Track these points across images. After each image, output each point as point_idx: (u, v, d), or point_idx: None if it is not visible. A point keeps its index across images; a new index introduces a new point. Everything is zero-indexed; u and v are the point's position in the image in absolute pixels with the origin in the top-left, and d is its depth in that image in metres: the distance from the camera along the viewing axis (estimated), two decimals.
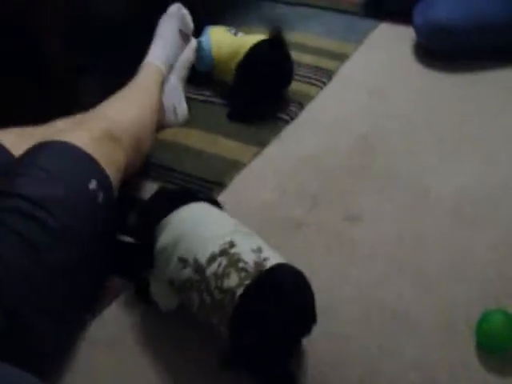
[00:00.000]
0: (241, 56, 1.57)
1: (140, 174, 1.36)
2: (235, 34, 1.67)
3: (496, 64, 1.78)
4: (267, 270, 0.92)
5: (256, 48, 1.56)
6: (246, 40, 1.61)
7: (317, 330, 0.97)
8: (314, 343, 1.02)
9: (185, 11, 1.64)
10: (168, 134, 1.53)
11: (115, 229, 1.15)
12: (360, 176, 1.40)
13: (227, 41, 1.64)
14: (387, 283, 1.15)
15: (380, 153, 1.47)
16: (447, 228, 1.26)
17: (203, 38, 1.68)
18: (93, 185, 1.03)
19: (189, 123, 1.58)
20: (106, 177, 1.08)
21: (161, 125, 1.50)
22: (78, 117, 1.25)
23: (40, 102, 1.48)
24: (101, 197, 1.05)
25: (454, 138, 1.51)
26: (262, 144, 1.50)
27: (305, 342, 1.02)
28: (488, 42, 1.75)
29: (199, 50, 1.68)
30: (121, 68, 1.48)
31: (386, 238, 1.24)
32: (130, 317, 1.10)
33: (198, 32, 1.70)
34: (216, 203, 1.12)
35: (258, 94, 1.58)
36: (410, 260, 1.19)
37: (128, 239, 1.17)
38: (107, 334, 1.08)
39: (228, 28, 1.71)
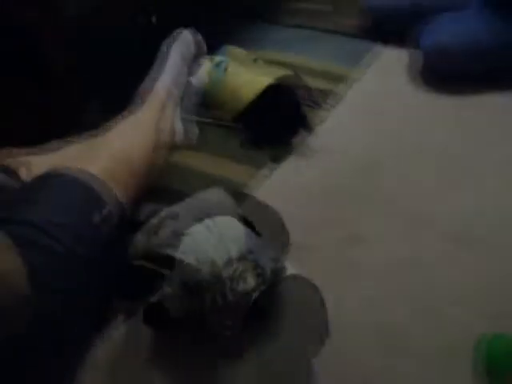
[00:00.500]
0: (245, 100, 1.58)
1: (147, 197, 1.38)
2: (226, 69, 1.66)
3: (504, 86, 1.80)
4: (284, 277, 0.93)
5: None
6: (245, 81, 1.61)
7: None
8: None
9: (191, 37, 1.66)
10: (177, 157, 1.56)
11: (122, 255, 1.16)
12: (362, 201, 1.43)
13: (220, 82, 1.64)
14: (385, 306, 1.17)
15: (382, 178, 1.49)
16: (445, 252, 1.28)
17: (194, 80, 1.67)
18: (96, 218, 1.06)
19: (196, 146, 1.61)
20: (109, 209, 1.10)
21: (170, 147, 1.53)
22: (86, 148, 1.26)
23: (40, 102, 1.49)
24: (104, 229, 1.07)
25: (455, 164, 1.53)
26: (269, 168, 1.54)
27: None
28: (484, 66, 1.78)
29: (191, 91, 1.67)
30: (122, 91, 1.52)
31: (386, 261, 1.27)
32: (134, 340, 1.13)
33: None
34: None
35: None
36: (408, 282, 1.22)
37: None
38: (109, 358, 1.10)
39: (219, 60, 1.70)
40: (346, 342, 1.11)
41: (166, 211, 1.13)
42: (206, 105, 1.71)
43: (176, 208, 1.14)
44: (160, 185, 1.44)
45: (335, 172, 1.52)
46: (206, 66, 1.71)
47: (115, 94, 1.50)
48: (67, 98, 1.54)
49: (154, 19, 1.80)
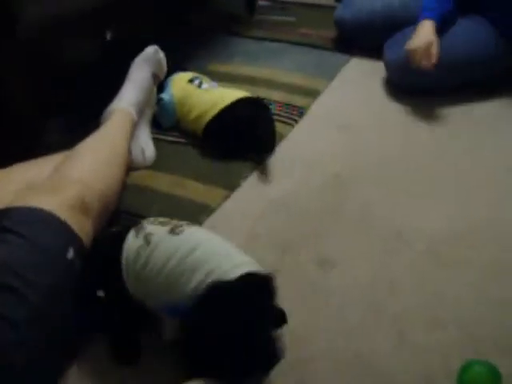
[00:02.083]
0: (209, 116, 1.54)
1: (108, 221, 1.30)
2: (199, 85, 1.63)
3: (466, 99, 1.79)
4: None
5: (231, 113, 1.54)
6: (215, 97, 1.57)
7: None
8: None
9: (161, 55, 1.60)
10: (135, 178, 1.48)
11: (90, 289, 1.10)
12: (332, 218, 1.36)
13: (192, 98, 1.60)
14: (361, 333, 1.10)
15: (352, 193, 1.44)
16: (421, 271, 1.22)
17: (165, 95, 1.64)
18: (70, 253, 1.01)
19: (156, 165, 1.53)
20: (81, 243, 1.06)
21: (128, 168, 1.46)
22: (53, 174, 1.20)
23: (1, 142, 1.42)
24: (77, 264, 1.03)
25: (427, 177, 1.48)
26: (232, 186, 1.46)
27: None
28: (455, 78, 1.77)
29: (161, 107, 1.64)
30: (90, 110, 1.45)
31: (360, 283, 1.20)
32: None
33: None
34: None
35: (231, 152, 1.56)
36: (385, 307, 1.15)
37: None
38: None
39: (192, 77, 1.67)
40: (317, 375, 1.03)
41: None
42: (176, 119, 1.66)
43: None
44: (119, 207, 1.36)
45: (302, 188, 1.46)
46: (177, 83, 1.66)
47: (83, 114, 1.46)
48: (29, 139, 1.47)
49: (108, 35, 1.73)
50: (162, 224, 1.05)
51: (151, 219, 1.08)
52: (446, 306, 1.15)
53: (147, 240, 1.01)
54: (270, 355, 0.94)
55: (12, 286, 0.91)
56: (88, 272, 1.05)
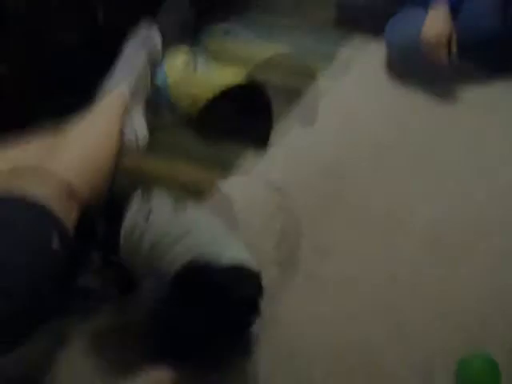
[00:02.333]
0: (204, 100, 1.50)
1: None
2: (195, 67, 1.59)
3: (470, 81, 1.73)
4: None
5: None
6: (208, 81, 1.54)
7: (283, 373, 0.95)
8: None
9: (155, 34, 1.54)
10: (127, 161, 1.44)
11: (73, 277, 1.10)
12: (329, 205, 1.33)
13: (187, 80, 1.56)
14: (357, 324, 1.08)
15: (351, 181, 1.40)
16: (421, 263, 1.19)
17: (159, 77, 1.59)
18: (55, 242, 0.98)
19: (150, 148, 1.49)
20: (67, 232, 1.02)
21: (120, 151, 1.42)
22: (41, 157, 1.15)
23: None
24: (61, 252, 0.99)
25: (430, 165, 1.45)
26: (228, 171, 1.43)
27: None
28: (461, 60, 1.68)
29: (156, 90, 1.59)
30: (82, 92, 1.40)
31: (357, 272, 1.18)
32: None
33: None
34: None
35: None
36: (383, 299, 1.12)
37: None
38: None
39: (186, 58, 1.62)
40: (312, 366, 1.01)
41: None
42: (170, 103, 1.60)
43: None
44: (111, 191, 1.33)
45: (298, 175, 1.42)
46: (173, 64, 1.61)
47: (77, 95, 1.38)
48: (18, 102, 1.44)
49: (100, 15, 1.67)
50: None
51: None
52: (446, 296, 1.12)
53: (147, 218, 1.06)
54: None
55: None
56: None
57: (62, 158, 1.14)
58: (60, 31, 1.55)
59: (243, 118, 1.49)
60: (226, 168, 1.44)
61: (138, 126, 1.48)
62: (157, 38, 1.53)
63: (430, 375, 0.99)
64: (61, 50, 1.56)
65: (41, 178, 1.08)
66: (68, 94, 1.56)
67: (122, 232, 1.06)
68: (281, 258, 1.20)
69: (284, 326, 1.07)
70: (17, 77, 1.45)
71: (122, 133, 1.35)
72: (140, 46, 1.49)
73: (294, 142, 1.52)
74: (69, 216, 1.05)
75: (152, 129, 1.51)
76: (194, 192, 1.35)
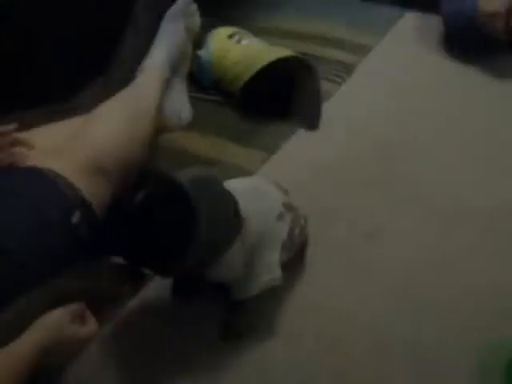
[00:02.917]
0: (247, 76, 1.44)
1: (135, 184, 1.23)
2: (239, 41, 1.53)
3: None
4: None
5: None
6: (252, 56, 1.47)
7: (324, 364, 0.91)
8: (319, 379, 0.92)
9: (193, 7, 1.49)
10: (169, 139, 1.40)
11: (98, 256, 1.04)
12: (379, 188, 1.26)
13: (230, 55, 1.51)
14: (404, 315, 1.01)
15: (403, 160, 1.33)
16: (477, 250, 1.11)
17: (203, 52, 1.55)
18: (76, 217, 0.96)
19: (192, 126, 1.45)
20: (90, 208, 1.00)
21: (161, 128, 1.38)
22: (69, 137, 1.13)
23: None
24: (84, 227, 0.98)
25: (490, 145, 1.36)
26: (271, 150, 1.37)
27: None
28: None
29: (199, 65, 1.56)
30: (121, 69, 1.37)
31: (407, 260, 1.11)
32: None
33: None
34: None
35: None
36: (432, 288, 1.05)
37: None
38: None
39: (232, 32, 1.57)
40: (354, 357, 0.95)
41: None
42: (213, 79, 1.56)
43: None
44: (150, 170, 1.29)
45: (347, 154, 1.35)
46: (216, 39, 1.57)
47: (115, 72, 1.40)
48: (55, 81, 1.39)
49: None
50: None
51: None
52: (500, 292, 1.04)
53: None
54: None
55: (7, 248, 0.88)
56: None
57: (92, 134, 1.12)
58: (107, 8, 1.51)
59: (288, 95, 1.43)
60: (270, 145, 1.38)
61: (180, 103, 1.44)
62: (195, 12, 1.48)
63: (481, 369, 0.92)
64: (105, 28, 1.53)
65: (64, 154, 1.05)
66: (112, 73, 1.53)
67: None
68: (325, 241, 1.14)
69: (328, 312, 1.01)
70: (58, 55, 1.42)
71: (160, 109, 1.32)
72: (177, 18, 1.44)
73: (342, 118, 1.45)
74: (97, 193, 1.02)
75: (195, 105, 1.48)
76: (239, 170, 1.30)
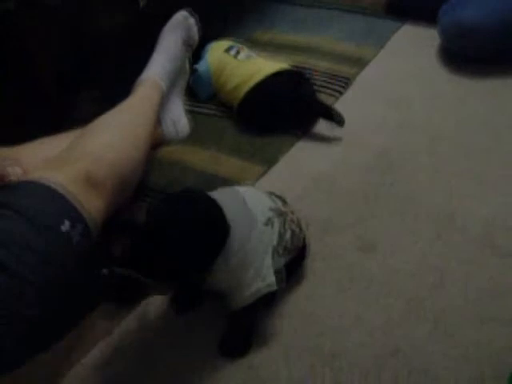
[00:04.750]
0: (245, 89, 1.46)
1: (133, 198, 1.23)
2: (236, 55, 1.54)
3: None
4: None
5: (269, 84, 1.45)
6: (252, 69, 1.48)
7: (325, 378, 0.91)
8: None
9: (192, 21, 1.49)
10: (167, 152, 1.41)
11: (96, 266, 1.04)
12: (376, 199, 1.26)
13: (228, 69, 1.52)
14: (402, 327, 1.01)
15: (400, 172, 1.33)
16: (474, 263, 1.11)
17: (201, 65, 1.56)
18: (66, 226, 0.95)
19: (190, 139, 1.45)
20: (82, 218, 0.99)
21: (159, 142, 1.38)
22: (65, 148, 1.14)
23: (29, 119, 1.37)
24: (76, 237, 0.96)
25: (486, 156, 1.35)
26: (269, 163, 1.37)
27: None
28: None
29: (197, 78, 1.57)
30: (120, 82, 1.38)
31: (404, 272, 1.10)
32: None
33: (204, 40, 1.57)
34: None
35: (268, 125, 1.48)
36: (430, 300, 1.05)
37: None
38: None
39: (229, 45, 1.58)
40: (353, 371, 0.95)
41: None
42: (211, 92, 1.58)
43: None
44: (146, 184, 1.30)
45: (344, 166, 1.36)
46: (214, 52, 1.58)
47: (114, 85, 1.39)
48: (56, 115, 1.43)
49: (142, 2, 1.64)
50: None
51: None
52: (500, 300, 1.03)
53: None
54: None
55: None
56: None
57: (88, 146, 1.12)
58: (101, 19, 1.53)
59: (283, 107, 1.43)
60: (268, 159, 1.38)
61: (177, 116, 1.44)
62: (194, 25, 1.49)
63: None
64: (102, 40, 1.54)
65: (59, 166, 1.05)
66: (108, 86, 1.54)
67: None
68: (323, 253, 1.14)
69: (322, 325, 1.01)
70: (54, 68, 1.43)
71: (157, 122, 1.32)
72: (176, 32, 1.45)
73: (339, 131, 1.44)
74: (89, 204, 1.01)
75: (193, 118, 1.48)
76: (237, 184, 1.29)
